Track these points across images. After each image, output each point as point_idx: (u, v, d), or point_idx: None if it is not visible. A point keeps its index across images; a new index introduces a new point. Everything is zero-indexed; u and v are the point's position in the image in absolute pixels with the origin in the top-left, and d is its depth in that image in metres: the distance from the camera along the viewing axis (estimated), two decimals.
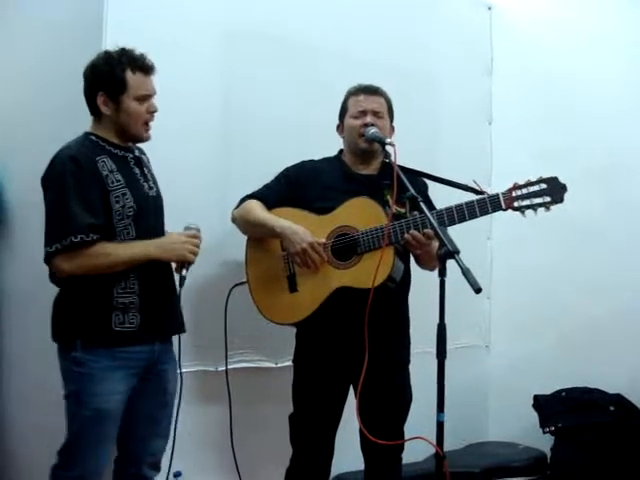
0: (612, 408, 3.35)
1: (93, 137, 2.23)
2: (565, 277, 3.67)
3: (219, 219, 2.76)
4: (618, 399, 3.37)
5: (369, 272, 2.39)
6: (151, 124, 2.30)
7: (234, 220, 2.66)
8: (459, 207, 2.41)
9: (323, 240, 2.51)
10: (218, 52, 2.93)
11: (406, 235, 2.40)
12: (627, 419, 3.32)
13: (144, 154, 2.41)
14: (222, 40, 2.94)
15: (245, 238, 2.65)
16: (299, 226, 2.50)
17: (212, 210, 2.81)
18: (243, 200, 2.64)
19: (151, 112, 2.28)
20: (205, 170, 2.88)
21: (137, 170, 2.30)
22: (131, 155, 2.30)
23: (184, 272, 2.31)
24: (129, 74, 2.20)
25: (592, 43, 3.69)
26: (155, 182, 2.37)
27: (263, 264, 2.61)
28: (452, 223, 2.39)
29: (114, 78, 2.19)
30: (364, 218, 2.49)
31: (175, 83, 2.76)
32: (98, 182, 2.15)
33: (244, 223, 2.62)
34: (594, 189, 3.49)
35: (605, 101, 3.60)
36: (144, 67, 2.24)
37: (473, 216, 2.40)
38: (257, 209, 2.58)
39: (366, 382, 2.38)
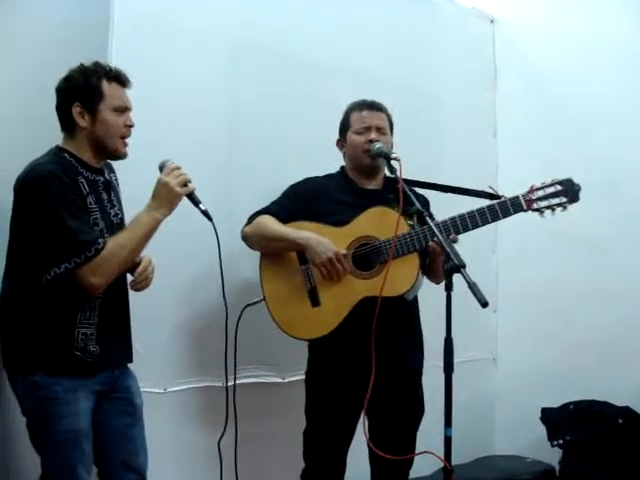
0: (620, 421, 3.33)
1: (66, 155, 2.13)
2: (571, 289, 3.66)
3: (226, 237, 2.74)
4: (626, 411, 3.36)
5: (395, 280, 2.38)
6: (128, 140, 2.21)
7: (246, 238, 2.60)
8: (481, 210, 2.43)
9: (344, 251, 2.47)
10: (225, 67, 2.95)
11: (430, 243, 2.40)
12: (636, 431, 3.30)
13: (114, 172, 2.32)
14: (229, 55, 2.95)
15: (256, 256, 2.60)
16: (321, 236, 2.47)
17: (218, 229, 2.80)
18: (253, 217, 2.60)
19: (128, 126, 2.19)
20: (210, 187, 2.85)
21: (105, 195, 2.22)
22: (102, 179, 2.22)
23: (201, 206, 2.23)
24: (105, 83, 2.14)
25: (595, 55, 3.70)
26: (120, 207, 2.29)
27: (281, 280, 2.55)
28: (475, 226, 2.43)
29: (90, 87, 2.12)
30: (384, 227, 2.45)
31: (181, 98, 2.78)
32: (81, 200, 2.09)
33: (260, 238, 2.57)
34: (599, 201, 3.46)
35: (609, 113, 3.61)
36: (119, 78, 2.17)
37: (496, 218, 2.44)
38: (273, 223, 2.54)
39: (383, 395, 2.37)
